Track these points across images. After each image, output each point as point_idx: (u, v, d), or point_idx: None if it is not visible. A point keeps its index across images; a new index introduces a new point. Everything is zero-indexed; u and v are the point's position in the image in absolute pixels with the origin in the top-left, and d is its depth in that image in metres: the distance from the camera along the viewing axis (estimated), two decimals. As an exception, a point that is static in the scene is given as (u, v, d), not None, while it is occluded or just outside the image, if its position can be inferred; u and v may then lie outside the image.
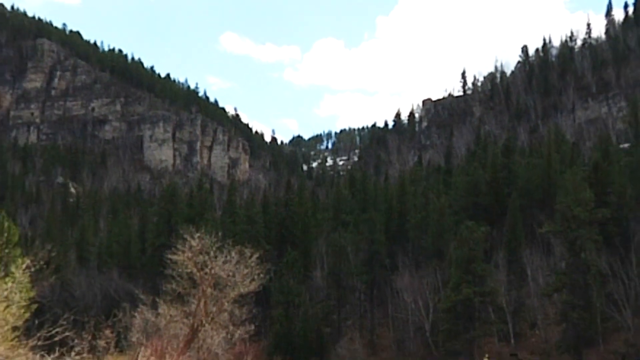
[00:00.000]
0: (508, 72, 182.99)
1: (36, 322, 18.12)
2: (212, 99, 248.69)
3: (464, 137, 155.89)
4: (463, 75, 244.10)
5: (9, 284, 15.15)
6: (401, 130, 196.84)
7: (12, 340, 14.99)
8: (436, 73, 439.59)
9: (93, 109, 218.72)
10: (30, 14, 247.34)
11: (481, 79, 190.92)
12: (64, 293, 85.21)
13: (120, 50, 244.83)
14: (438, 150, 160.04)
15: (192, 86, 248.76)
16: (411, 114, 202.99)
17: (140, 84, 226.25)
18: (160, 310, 28.70)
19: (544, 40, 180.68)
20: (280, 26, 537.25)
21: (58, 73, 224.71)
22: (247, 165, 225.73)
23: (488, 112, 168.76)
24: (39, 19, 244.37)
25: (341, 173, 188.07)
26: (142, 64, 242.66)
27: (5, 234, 50.77)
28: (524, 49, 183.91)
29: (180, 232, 30.89)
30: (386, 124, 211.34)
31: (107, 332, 26.36)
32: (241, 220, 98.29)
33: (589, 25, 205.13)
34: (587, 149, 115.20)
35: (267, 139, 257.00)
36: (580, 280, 75.62)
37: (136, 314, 30.65)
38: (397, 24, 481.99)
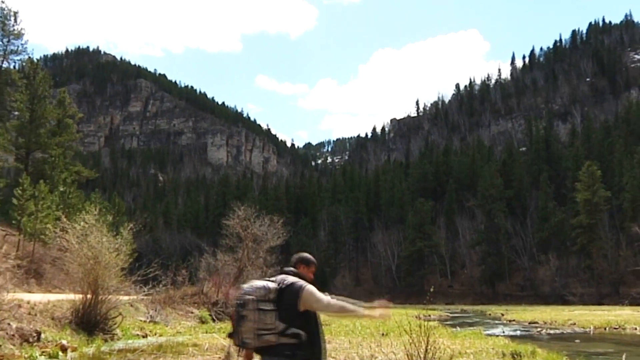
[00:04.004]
0: (446, 100, 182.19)
1: (136, 265, 18.03)
2: (252, 119, 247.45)
3: (417, 143, 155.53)
4: (417, 102, 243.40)
5: (119, 240, 15.02)
6: (376, 139, 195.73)
7: (120, 277, 14.86)
8: (399, 101, 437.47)
9: (174, 125, 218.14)
10: (133, 63, 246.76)
11: (429, 105, 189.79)
12: (155, 245, 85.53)
13: (192, 86, 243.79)
14: (400, 152, 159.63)
15: (239, 110, 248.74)
16: (383, 128, 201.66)
17: (205, 108, 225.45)
18: (218, 257, 28.62)
19: (470, 79, 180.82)
20: (295, 71, 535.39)
21: (151, 101, 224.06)
22: (275, 162, 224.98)
23: (433, 127, 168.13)
24: (138, 66, 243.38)
25: (337, 167, 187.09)
26: (206, 95, 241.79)
27: (117, 207, 50.76)
28: (457, 85, 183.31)
29: (231, 206, 30.79)
30: (366, 135, 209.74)
31: (183, 271, 26.30)
32: (271, 197, 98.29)
33: (499, 70, 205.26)
34: (498, 152, 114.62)
35: (288, 144, 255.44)
36: (494, 237, 75.75)
37: (202, 259, 30.56)
38: (372, 69, 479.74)
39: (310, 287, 3.66)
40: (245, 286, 3.67)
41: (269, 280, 3.72)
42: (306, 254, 4.10)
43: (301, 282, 3.70)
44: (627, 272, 62.28)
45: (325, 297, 3.66)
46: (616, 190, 68.64)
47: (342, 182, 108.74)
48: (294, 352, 3.54)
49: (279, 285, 3.66)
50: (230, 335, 3.70)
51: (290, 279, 3.73)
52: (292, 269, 3.90)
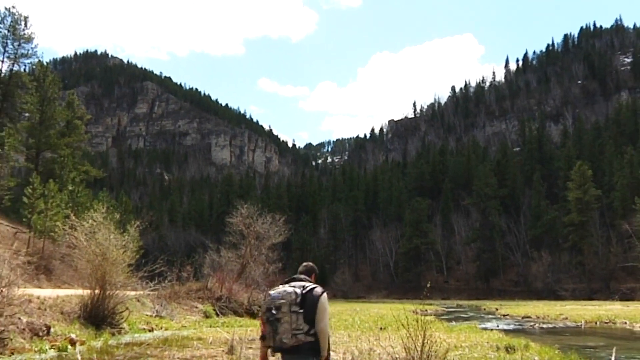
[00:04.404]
0: (443, 102, 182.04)
1: (143, 261, 18.01)
2: (254, 120, 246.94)
3: (414, 144, 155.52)
4: (414, 104, 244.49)
5: (126, 237, 15.01)
6: (375, 140, 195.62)
7: (127, 272, 14.85)
8: (396, 102, 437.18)
9: (179, 126, 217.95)
10: (139, 66, 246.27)
11: (425, 106, 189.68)
12: (161, 242, 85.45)
13: (196, 89, 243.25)
14: (398, 152, 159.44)
15: (242, 112, 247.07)
16: (381, 129, 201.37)
17: (209, 109, 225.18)
18: (221, 254, 28.61)
19: (465, 82, 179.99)
20: (296, 74, 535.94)
21: (157, 103, 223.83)
22: (277, 161, 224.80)
23: (430, 128, 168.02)
24: (145, 69, 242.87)
25: (336, 167, 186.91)
26: (210, 97, 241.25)
27: (124, 205, 50.82)
28: (453, 88, 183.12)
29: (235, 204, 30.77)
30: (365, 136, 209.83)
31: (188, 267, 26.30)
32: (273, 196, 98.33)
33: (493, 73, 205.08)
34: (492, 152, 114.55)
35: (290, 145, 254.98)
36: (488, 234, 75.76)
37: (206, 256, 30.54)
38: (371, 72, 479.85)
39: (326, 298, 4.01)
40: (274, 292, 3.93)
41: (292, 287, 3.99)
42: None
43: (320, 288, 4.03)
44: (617, 268, 62.34)
45: (327, 317, 3.97)
46: (606, 189, 68.67)
47: (342, 182, 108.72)
48: (316, 350, 3.91)
49: (301, 290, 3.95)
50: (262, 338, 3.96)
51: (310, 284, 4.05)
52: (305, 276, 4.22)
